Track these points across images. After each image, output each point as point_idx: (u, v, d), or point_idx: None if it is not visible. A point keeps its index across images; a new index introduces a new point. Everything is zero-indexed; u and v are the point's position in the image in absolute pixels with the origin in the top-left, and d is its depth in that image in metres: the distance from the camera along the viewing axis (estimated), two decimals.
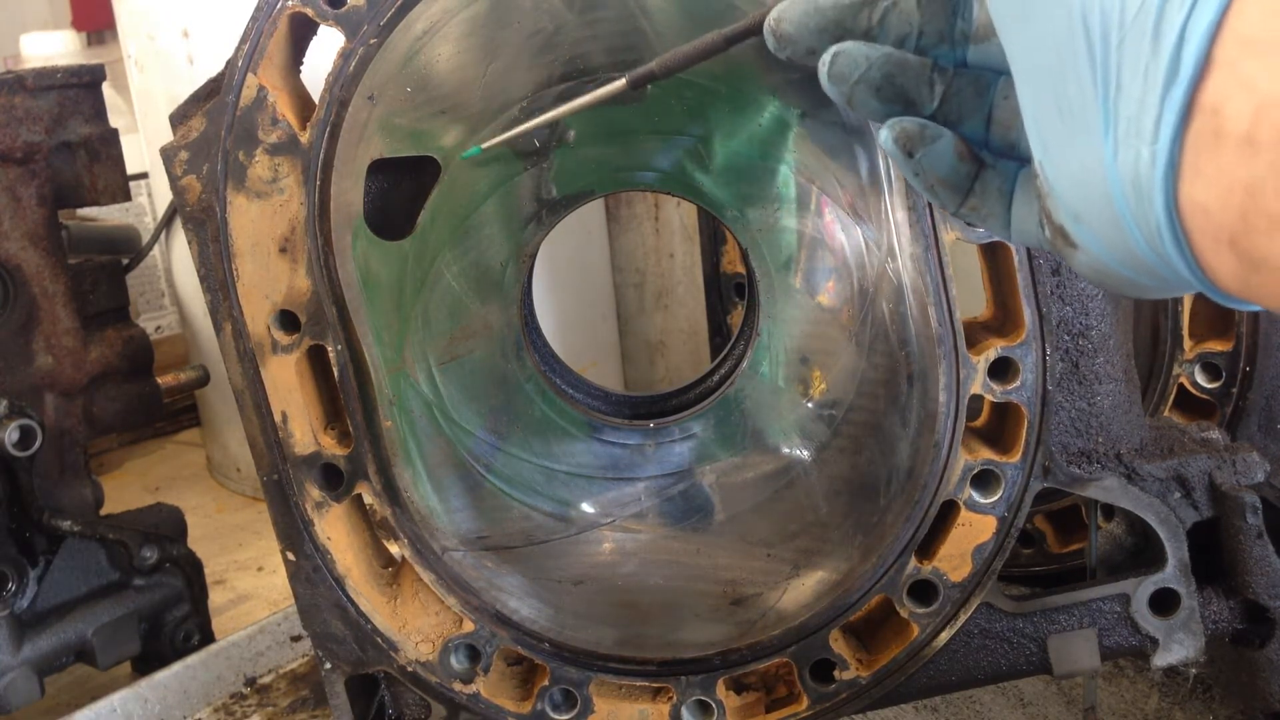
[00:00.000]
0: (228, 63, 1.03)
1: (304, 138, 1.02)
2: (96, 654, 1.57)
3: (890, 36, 0.72)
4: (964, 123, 0.72)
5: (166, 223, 2.34)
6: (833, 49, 0.72)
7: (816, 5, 0.74)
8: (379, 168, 1.02)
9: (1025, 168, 0.72)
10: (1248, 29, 0.48)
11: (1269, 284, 0.50)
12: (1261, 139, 0.48)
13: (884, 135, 0.71)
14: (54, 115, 1.53)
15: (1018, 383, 1.07)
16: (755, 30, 0.79)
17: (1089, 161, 0.57)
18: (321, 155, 1.02)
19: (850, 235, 1.02)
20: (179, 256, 2.40)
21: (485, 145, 0.98)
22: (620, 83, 0.87)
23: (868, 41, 0.73)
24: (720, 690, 1.14)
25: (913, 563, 1.10)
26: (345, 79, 1.00)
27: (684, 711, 1.14)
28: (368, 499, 1.10)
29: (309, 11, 1.00)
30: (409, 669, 1.14)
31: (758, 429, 1.09)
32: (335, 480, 1.10)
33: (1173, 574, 1.12)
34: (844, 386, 1.06)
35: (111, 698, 1.51)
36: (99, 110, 1.59)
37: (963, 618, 1.12)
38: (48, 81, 1.53)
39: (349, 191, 1.02)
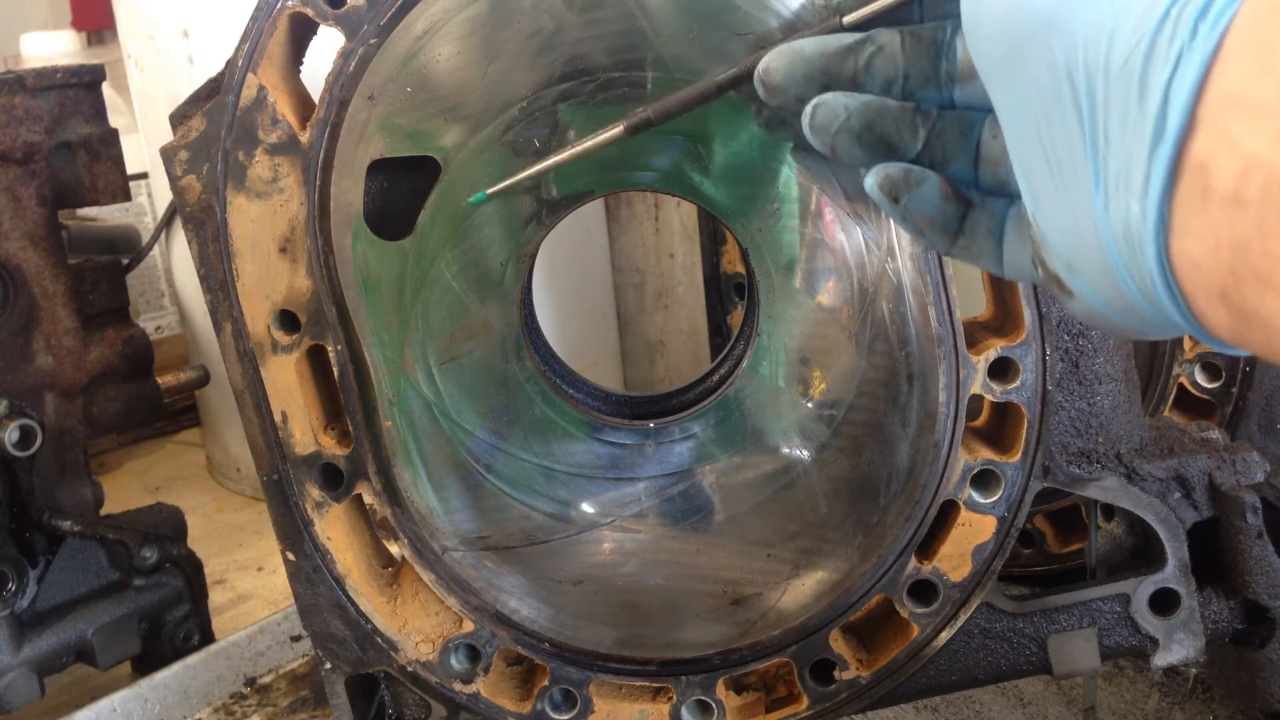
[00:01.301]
0: (228, 63, 1.03)
1: (304, 138, 1.02)
2: (96, 654, 1.57)
3: (876, 81, 0.72)
4: (951, 163, 0.72)
5: (166, 223, 2.34)
6: (813, 101, 0.73)
7: (803, 54, 0.74)
8: (379, 168, 1.02)
9: (1015, 205, 0.71)
10: (1231, 87, 0.49)
11: (1259, 336, 0.51)
12: (1248, 197, 0.48)
13: (869, 182, 0.72)
14: (54, 115, 1.53)
15: (1018, 383, 1.07)
16: (747, 77, 0.80)
17: (1080, 213, 0.58)
18: (321, 155, 1.01)
19: (850, 235, 1.02)
20: (179, 256, 2.40)
21: (490, 192, 0.98)
22: (618, 129, 0.88)
23: (855, 88, 0.73)
24: (720, 690, 1.14)
25: (913, 563, 1.10)
26: (345, 79, 1.00)
27: (684, 711, 1.14)
28: (368, 499, 1.10)
29: (309, 11, 1.00)
30: (409, 669, 1.14)
31: (758, 429, 1.09)
32: (335, 480, 1.10)
33: (1173, 574, 1.12)
34: (844, 386, 1.06)
35: (111, 698, 1.51)
36: (99, 110, 1.59)
37: (963, 618, 1.12)
38: (48, 81, 1.53)
39: (349, 191, 1.02)
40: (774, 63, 0.75)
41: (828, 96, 0.72)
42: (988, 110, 0.69)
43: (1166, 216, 0.52)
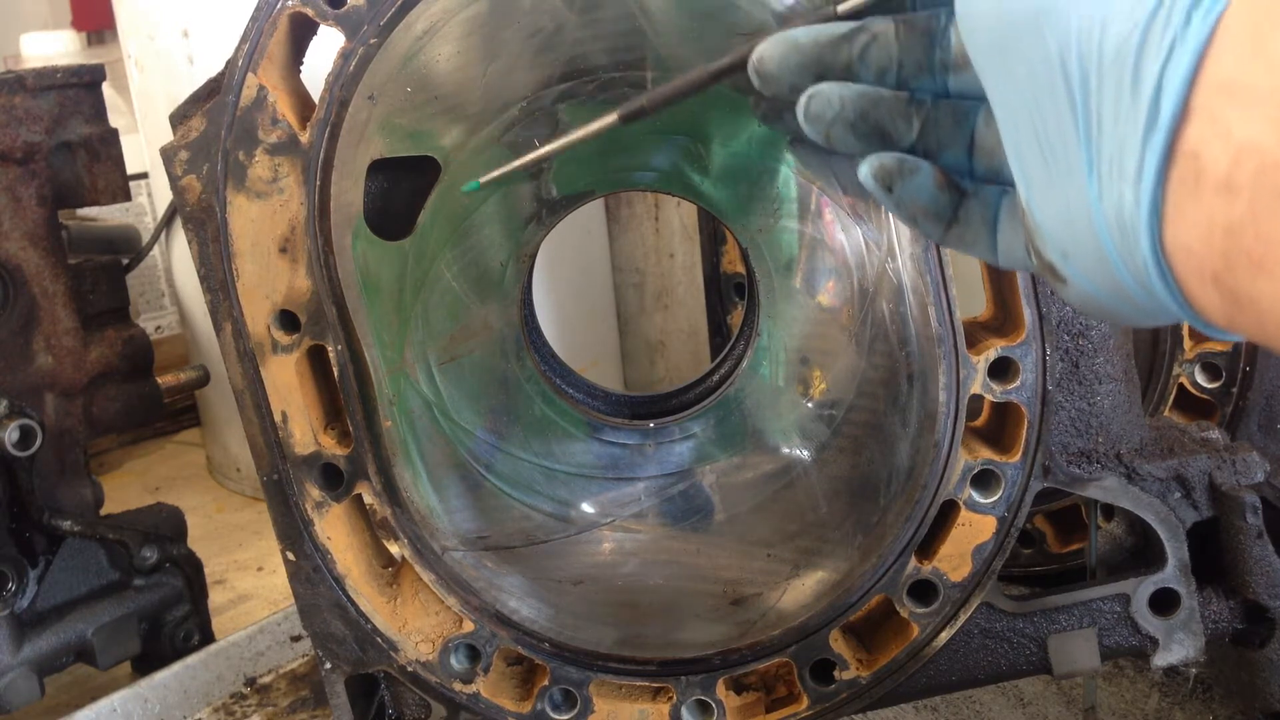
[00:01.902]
0: (228, 63, 1.03)
1: (304, 138, 1.02)
2: (96, 654, 1.57)
3: (871, 70, 0.73)
4: (945, 152, 0.73)
5: (166, 223, 2.34)
6: (808, 91, 0.73)
7: (797, 44, 0.74)
8: (379, 168, 1.02)
9: (1009, 193, 0.72)
10: (1224, 75, 0.49)
11: (1252, 321, 0.52)
12: (1240, 183, 0.48)
13: (863, 171, 0.72)
14: (54, 115, 1.53)
15: (1018, 383, 1.07)
16: (741, 66, 0.80)
17: (1074, 201, 0.58)
18: (321, 155, 1.01)
19: (850, 235, 1.02)
20: (179, 256, 2.40)
21: (485, 179, 0.98)
22: (612, 118, 0.88)
23: (849, 77, 0.73)
24: (720, 690, 1.14)
25: (913, 562, 1.10)
26: (345, 79, 1.00)
27: (684, 711, 1.14)
28: (368, 499, 1.10)
29: (309, 11, 1.00)
30: (409, 669, 1.14)
31: (758, 429, 1.09)
32: (335, 480, 1.10)
33: (1173, 574, 1.12)
34: (844, 386, 1.06)
35: (111, 698, 1.51)
36: (99, 110, 1.59)
37: (963, 618, 1.12)
38: (48, 81, 1.53)
39: (349, 191, 1.02)
40: (768, 51, 0.75)
41: (822, 86, 0.72)
42: (982, 99, 0.70)
43: (1160, 203, 0.53)
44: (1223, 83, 0.49)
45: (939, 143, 0.72)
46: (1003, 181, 0.72)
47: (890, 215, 1.01)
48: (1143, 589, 1.12)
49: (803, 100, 0.73)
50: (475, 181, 0.98)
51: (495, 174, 0.97)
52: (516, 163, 0.96)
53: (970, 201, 0.72)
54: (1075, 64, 0.55)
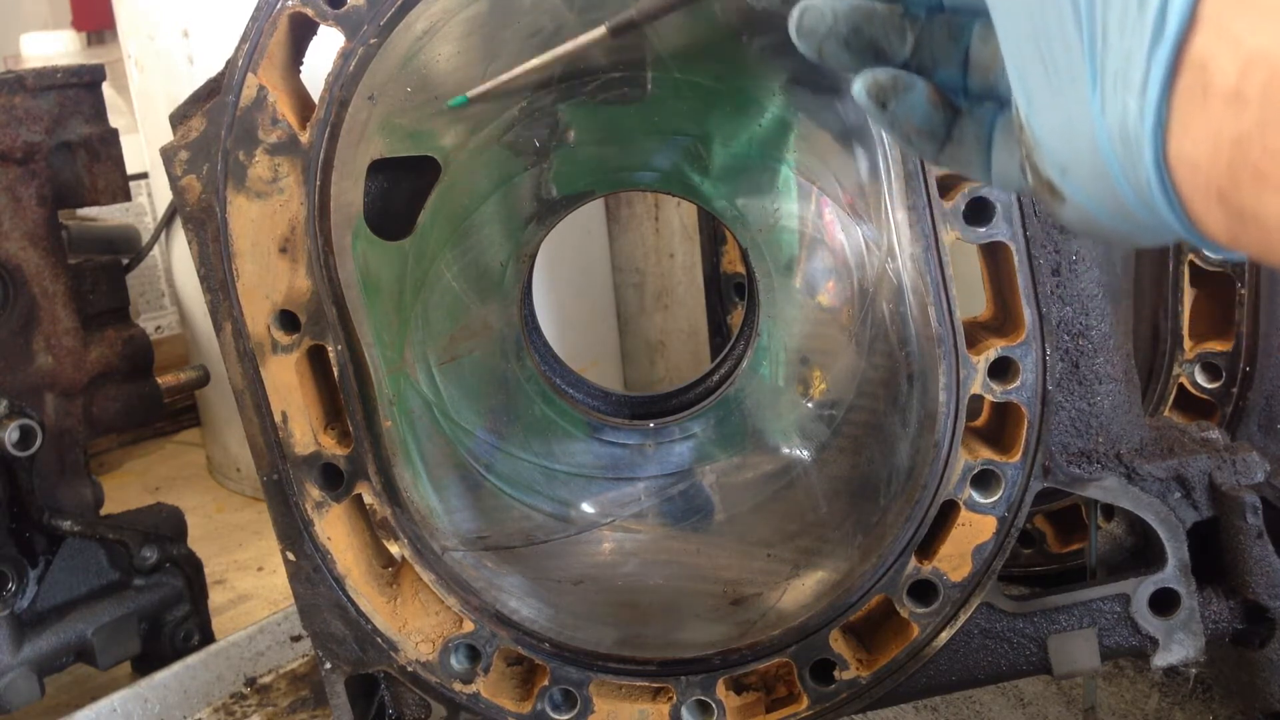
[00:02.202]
0: (228, 63, 1.03)
1: (304, 138, 1.02)
2: (96, 654, 1.57)
3: None
4: (939, 69, 0.72)
5: (166, 223, 2.34)
6: (800, 5, 0.72)
7: None
8: (379, 168, 1.02)
9: (1004, 112, 0.71)
10: None
11: (1256, 237, 0.51)
12: (1248, 94, 0.47)
13: (856, 87, 0.71)
14: (54, 115, 1.53)
15: (1018, 383, 1.07)
16: None
17: (1076, 115, 0.57)
18: (321, 155, 1.02)
19: (850, 235, 1.02)
20: (179, 256, 2.40)
21: (472, 94, 0.97)
22: (601, 30, 0.87)
23: None
24: (720, 690, 1.14)
25: (913, 562, 1.10)
26: (345, 79, 1.00)
27: (684, 711, 1.14)
28: (368, 499, 1.10)
29: (309, 11, 1.00)
30: (409, 669, 1.14)
31: (758, 429, 1.09)
32: (335, 480, 1.10)
33: (1173, 574, 1.12)
34: (844, 386, 1.06)
35: (111, 698, 1.51)
36: (99, 110, 1.59)
37: (963, 618, 1.12)
38: (48, 81, 1.53)
39: (349, 191, 1.02)
40: None
41: (814, 0, 0.72)
42: (977, 13, 0.69)
43: (1165, 116, 0.52)
44: None
45: (933, 59, 0.71)
46: (997, 98, 0.71)
47: (890, 215, 1.01)
48: (1143, 589, 1.12)
49: (795, 13, 0.72)
50: (462, 97, 0.97)
51: (483, 88, 0.96)
52: (504, 76, 0.95)
53: (964, 120, 0.71)
54: None
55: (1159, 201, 0.54)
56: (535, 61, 0.93)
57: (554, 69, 0.95)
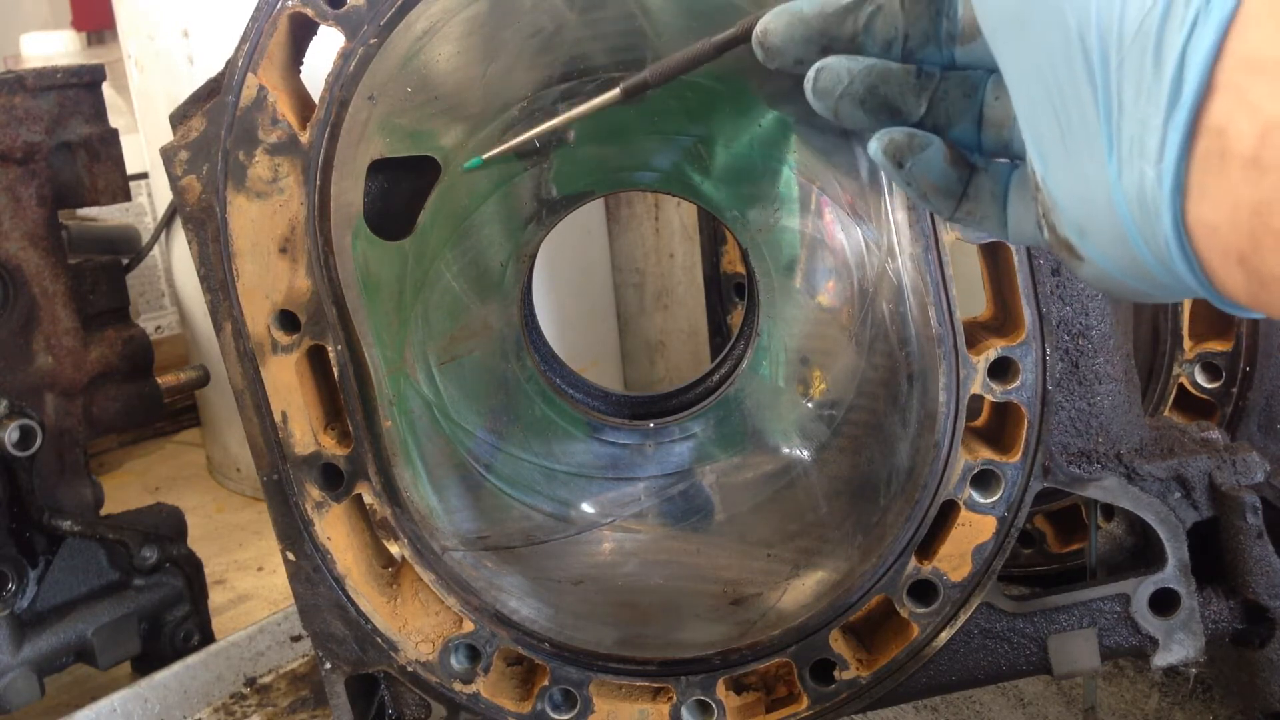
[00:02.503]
0: (228, 63, 1.03)
1: (304, 138, 1.02)
2: (96, 654, 1.57)
3: (876, 42, 0.72)
4: (954, 126, 0.72)
5: (166, 223, 2.34)
6: (816, 65, 0.72)
7: (801, 16, 0.73)
8: (379, 168, 1.02)
9: (1019, 168, 0.71)
10: (1250, 50, 0.48)
11: (1277, 299, 0.51)
12: (1268, 160, 0.48)
13: (873, 147, 0.71)
14: (54, 115, 1.53)
15: (1018, 383, 1.07)
16: (744, 38, 0.79)
17: (1093, 179, 0.57)
18: (321, 155, 1.01)
19: (850, 235, 1.02)
20: (179, 256, 2.40)
21: (486, 156, 0.98)
22: (615, 92, 0.88)
23: (854, 49, 0.72)
24: (720, 690, 1.14)
25: (913, 563, 1.10)
26: (345, 79, 1.00)
27: (684, 711, 1.14)
28: (368, 499, 1.10)
29: (309, 11, 1.00)
30: (409, 669, 1.14)
31: (758, 429, 1.09)
32: (335, 480, 1.10)
33: (1173, 574, 1.12)
34: (844, 386, 1.06)
35: (111, 698, 1.51)
36: (99, 110, 1.59)
37: (963, 618, 1.12)
38: (48, 81, 1.53)
39: (349, 191, 1.02)
40: (772, 24, 0.75)
41: (830, 61, 0.72)
42: (990, 69, 0.69)
43: (1183, 181, 0.52)
44: (1249, 57, 0.48)
45: (948, 117, 0.71)
46: (1012, 155, 0.71)
47: (890, 215, 1.01)
48: (1143, 589, 1.12)
49: (811, 74, 0.72)
50: (477, 159, 0.98)
51: (498, 150, 0.97)
52: (518, 140, 0.96)
53: (980, 176, 0.71)
54: (1095, 40, 0.54)
55: (1178, 264, 0.54)
56: (550, 124, 0.94)
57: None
